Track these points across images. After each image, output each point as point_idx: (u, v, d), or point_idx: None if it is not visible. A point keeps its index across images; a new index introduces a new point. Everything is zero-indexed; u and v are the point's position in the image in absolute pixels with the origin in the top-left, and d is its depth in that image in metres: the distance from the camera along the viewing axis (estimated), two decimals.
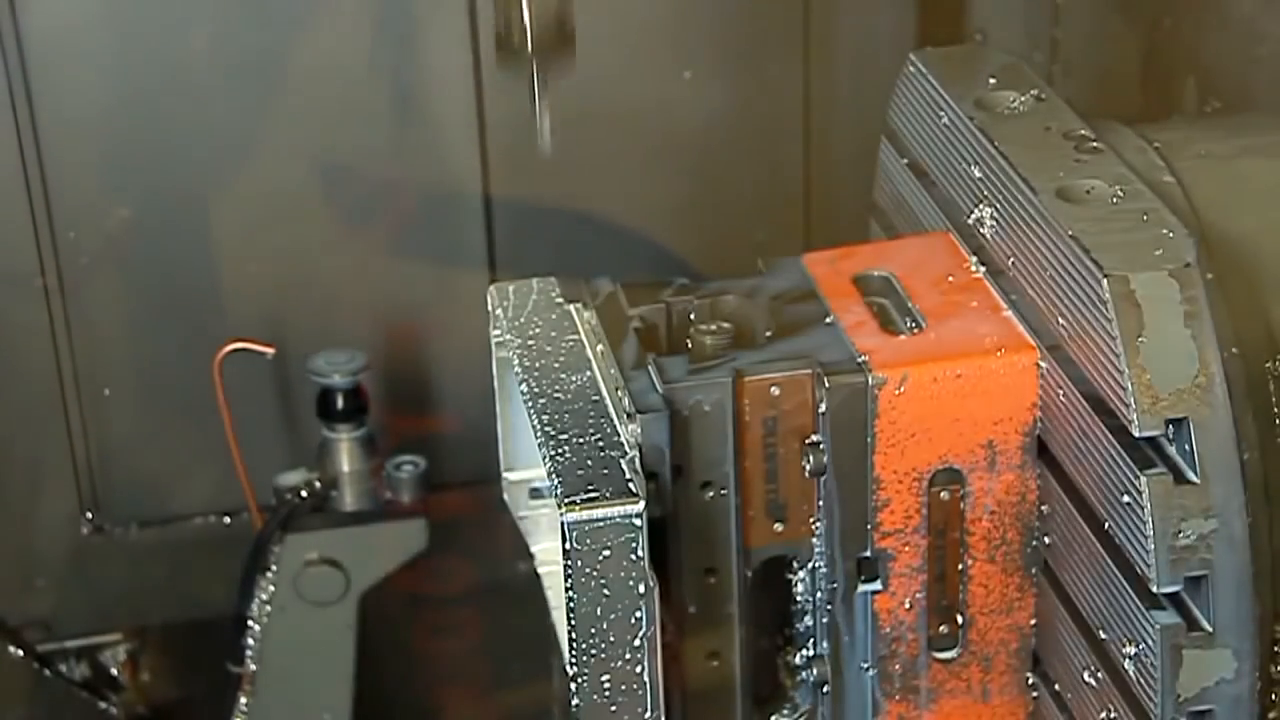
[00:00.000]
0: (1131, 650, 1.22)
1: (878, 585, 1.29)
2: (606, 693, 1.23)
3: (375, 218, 1.84)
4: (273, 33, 1.77)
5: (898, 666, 1.31)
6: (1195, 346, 1.19)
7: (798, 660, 1.33)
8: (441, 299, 1.87)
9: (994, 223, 1.33)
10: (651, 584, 1.20)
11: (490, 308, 1.38)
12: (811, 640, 1.32)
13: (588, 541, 1.18)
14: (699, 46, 1.84)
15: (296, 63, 1.78)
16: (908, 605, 1.30)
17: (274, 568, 1.70)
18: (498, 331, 1.36)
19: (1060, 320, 1.25)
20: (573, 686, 1.23)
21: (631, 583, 1.20)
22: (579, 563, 1.19)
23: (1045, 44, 1.77)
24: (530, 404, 1.27)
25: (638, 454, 1.23)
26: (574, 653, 1.22)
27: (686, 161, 1.82)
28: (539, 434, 1.25)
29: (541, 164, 1.35)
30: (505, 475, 1.41)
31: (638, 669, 1.23)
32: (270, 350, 1.67)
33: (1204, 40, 1.45)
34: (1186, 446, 1.19)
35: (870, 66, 1.86)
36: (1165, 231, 1.23)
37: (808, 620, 1.31)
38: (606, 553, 1.19)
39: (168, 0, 1.76)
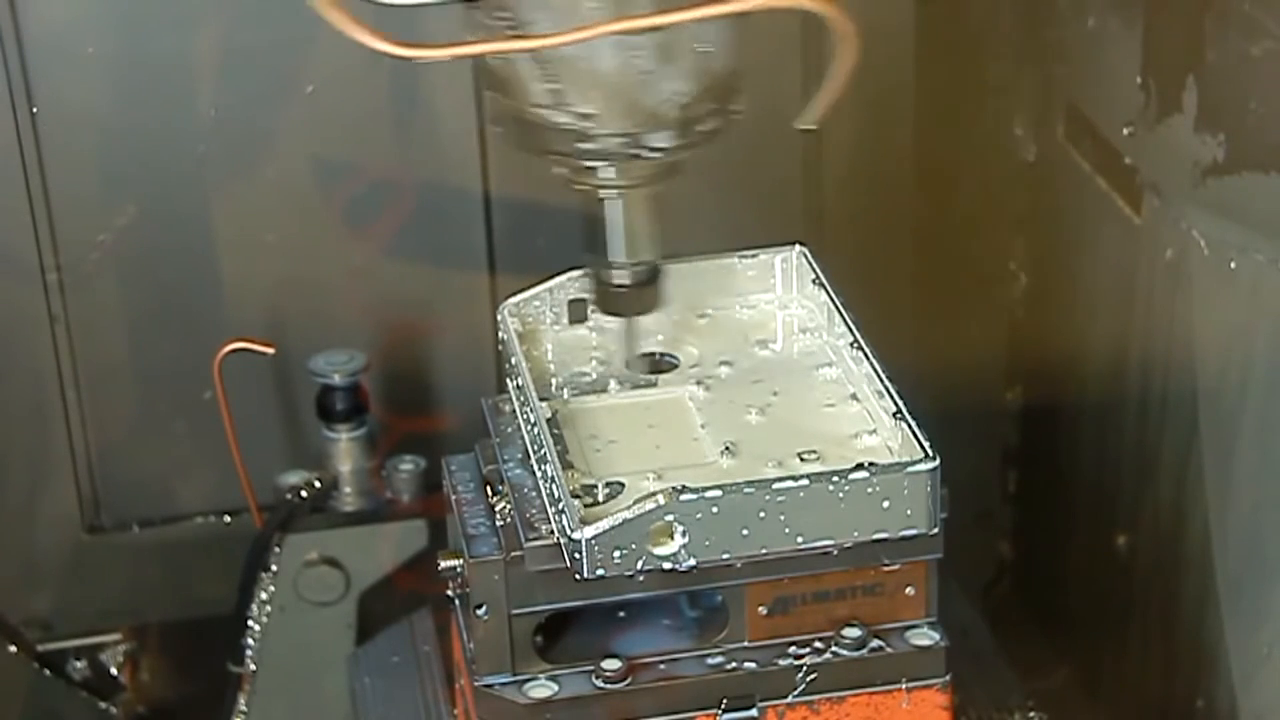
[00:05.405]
0: None
1: None
2: None
3: (375, 217, 1.84)
4: (273, 32, 1.77)
5: None
6: None
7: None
8: (441, 299, 1.87)
9: None
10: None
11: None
12: None
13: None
14: None
15: (297, 62, 1.78)
16: None
17: (274, 568, 1.70)
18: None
19: None
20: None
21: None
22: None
23: (1045, 44, 1.77)
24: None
25: None
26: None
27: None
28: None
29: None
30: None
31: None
32: (270, 350, 1.67)
33: (1204, 40, 1.45)
34: None
35: (869, 67, 1.86)
36: None
37: None
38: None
39: (168, 0, 1.76)
